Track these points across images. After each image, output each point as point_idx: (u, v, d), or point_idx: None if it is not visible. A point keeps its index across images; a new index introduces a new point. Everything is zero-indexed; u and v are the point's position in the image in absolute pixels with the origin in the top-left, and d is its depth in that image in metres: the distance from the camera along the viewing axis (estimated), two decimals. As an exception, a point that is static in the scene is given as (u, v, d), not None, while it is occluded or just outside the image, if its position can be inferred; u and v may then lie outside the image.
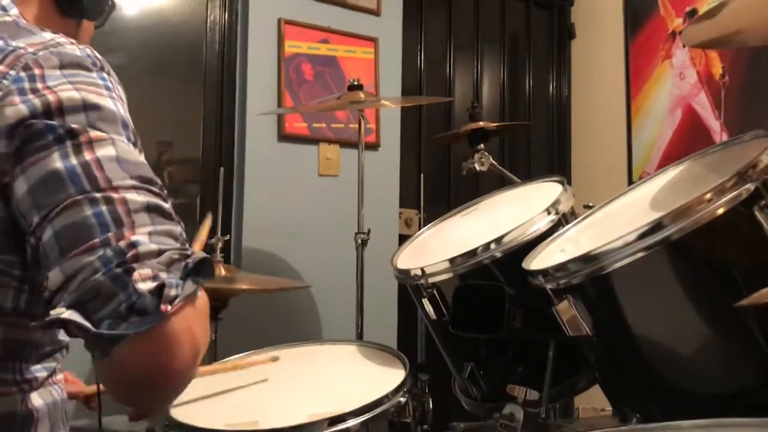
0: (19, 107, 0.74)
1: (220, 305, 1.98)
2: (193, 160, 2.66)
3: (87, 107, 0.76)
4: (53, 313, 0.68)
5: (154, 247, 0.71)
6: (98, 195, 0.72)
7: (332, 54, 2.80)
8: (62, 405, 0.90)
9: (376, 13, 2.90)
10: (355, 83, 2.21)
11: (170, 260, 0.71)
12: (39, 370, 0.85)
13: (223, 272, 1.98)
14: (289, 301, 2.60)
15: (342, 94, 2.27)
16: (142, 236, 0.71)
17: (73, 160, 0.73)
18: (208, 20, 2.67)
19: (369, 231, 2.22)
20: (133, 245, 0.70)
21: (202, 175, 2.64)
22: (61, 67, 0.78)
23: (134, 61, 2.53)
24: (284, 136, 2.67)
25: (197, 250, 0.76)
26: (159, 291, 0.69)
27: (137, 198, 0.74)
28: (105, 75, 0.81)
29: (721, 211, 1.01)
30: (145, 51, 2.57)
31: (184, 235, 0.77)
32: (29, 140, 0.74)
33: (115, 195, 0.72)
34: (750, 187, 1.01)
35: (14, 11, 0.88)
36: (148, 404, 0.88)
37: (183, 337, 0.71)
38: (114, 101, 0.80)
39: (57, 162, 0.73)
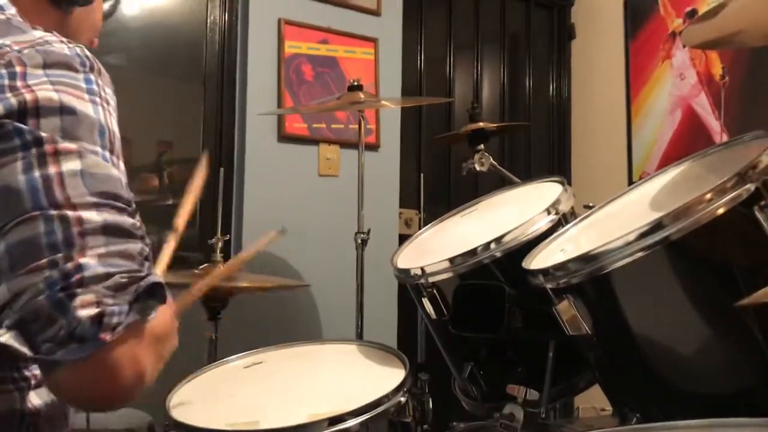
0: None
1: (220, 305, 1.98)
2: (193, 160, 2.65)
3: (63, 110, 0.73)
4: None
5: (101, 270, 0.69)
6: (54, 212, 0.69)
7: (332, 54, 2.80)
8: (63, 403, 0.90)
9: (376, 13, 2.90)
10: (355, 84, 2.21)
11: (118, 285, 0.69)
12: (36, 368, 0.85)
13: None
14: (289, 300, 2.60)
15: (342, 94, 2.27)
16: (92, 259, 0.69)
17: (36, 173, 0.70)
18: (208, 20, 2.67)
19: (369, 231, 2.23)
20: (80, 268, 0.68)
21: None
22: (45, 66, 0.75)
23: (134, 61, 2.54)
24: (284, 137, 2.67)
25: (154, 272, 0.74)
26: (99, 318, 0.67)
27: (95, 217, 0.71)
28: (92, 76, 0.78)
29: (721, 211, 1.01)
30: (145, 51, 2.57)
31: (147, 252, 0.75)
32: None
33: (71, 213, 0.70)
34: (750, 187, 1.00)
35: (11, 11, 0.86)
36: (94, 411, 0.87)
37: (124, 365, 0.70)
38: (95, 106, 0.76)
39: (19, 173, 0.70)
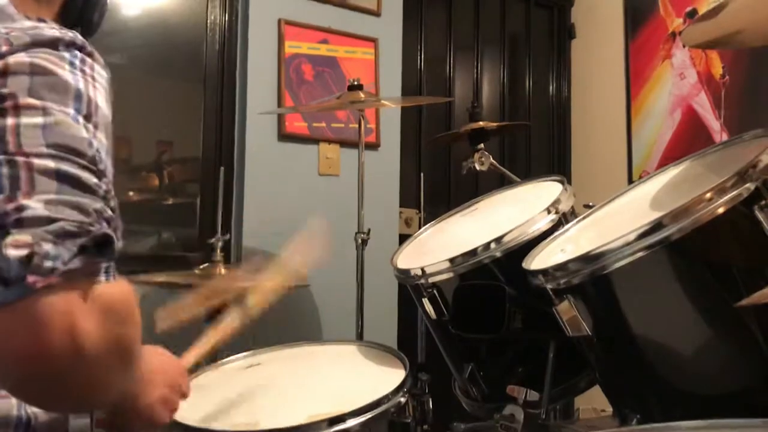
0: None
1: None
2: (193, 160, 2.66)
3: (34, 72, 0.70)
4: None
5: (43, 213, 0.63)
6: (2, 157, 0.65)
7: (332, 54, 2.80)
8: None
9: (376, 13, 2.90)
10: (355, 83, 2.21)
11: (62, 231, 0.63)
12: None
13: (223, 271, 1.98)
14: (289, 301, 2.60)
15: (342, 93, 2.27)
16: (36, 202, 0.63)
17: None
18: (208, 20, 2.67)
19: (369, 231, 2.22)
20: (20, 209, 0.62)
21: (202, 174, 2.64)
22: (31, 45, 0.72)
23: (134, 61, 2.54)
24: (284, 136, 2.67)
25: (108, 229, 0.68)
26: (29, 259, 0.61)
27: (48, 164, 0.65)
28: (77, 53, 0.74)
29: (721, 210, 1.01)
30: (145, 51, 2.57)
31: (109, 215, 0.69)
32: None
33: (21, 159, 0.65)
34: (750, 186, 1.00)
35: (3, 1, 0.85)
36: (19, 394, 0.74)
37: (53, 320, 0.62)
38: (74, 75, 0.72)
39: None
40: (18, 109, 0.67)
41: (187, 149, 2.69)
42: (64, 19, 0.89)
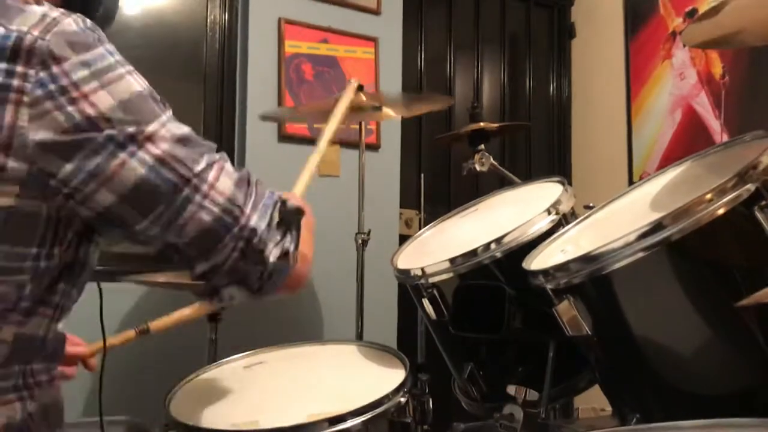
0: (55, 117, 0.77)
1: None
2: (193, 160, 2.66)
3: (122, 105, 0.82)
4: (219, 298, 0.94)
5: (263, 224, 0.89)
6: (197, 197, 0.85)
7: (332, 54, 2.80)
8: (60, 408, 0.90)
9: (376, 12, 2.90)
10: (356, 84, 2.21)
11: (276, 224, 0.90)
12: (40, 373, 0.85)
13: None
14: (289, 301, 2.60)
15: (342, 94, 2.27)
16: (253, 215, 0.88)
17: (151, 161, 0.82)
18: (208, 20, 2.67)
19: (369, 231, 2.22)
20: (253, 232, 0.88)
21: (202, 175, 2.63)
22: (74, 52, 0.80)
23: (134, 61, 2.52)
24: (284, 137, 2.67)
25: (278, 193, 0.94)
26: (285, 255, 0.91)
27: (223, 181, 0.87)
28: (107, 46, 0.85)
29: (721, 211, 1.01)
30: (145, 51, 2.57)
31: (246, 170, 0.91)
32: (90, 153, 0.79)
33: (205, 187, 0.85)
34: (750, 187, 1.00)
35: None
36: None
37: (304, 269, 0.98)
38: (131, 75, 0.86)
39: (138, 168, 0.81)
40: (151, 139, 0.83)
41: (187, 149, 2.69)
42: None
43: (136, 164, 0.81)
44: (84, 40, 0.82)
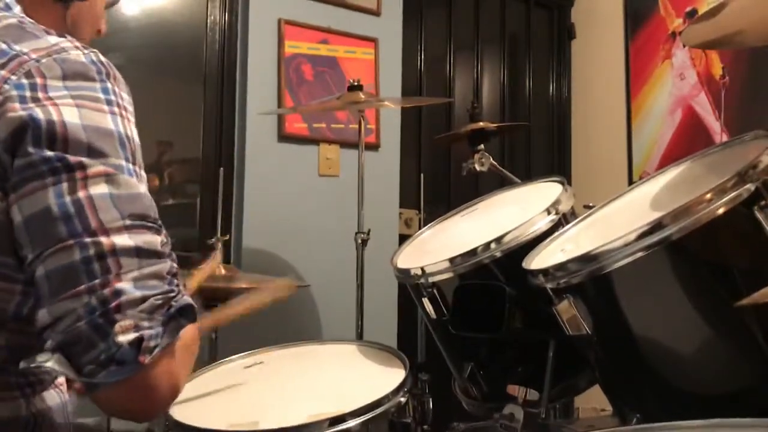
0: (19, 113, 0.73)
1: (219, 305, 1.98)
2: (193, 160, 2.67)
3: (86, 129, 0.75)
4: (39, 360, 0.72)
5: (137, 294, 0.73)
6: (88, 240, 0.72)
7: (332, 54, 2.80)
8: (64, 407, 0.90)
9: (376, 13, 2.90)
10: (355, 83, 2.21)
11: (153, 307, 0.74)
12: (42, 372, 0.85)
13: (222, 272, 1.98)
14: (289, 301, 2.59)
15: (342, 94, 2.27)
16: (127, 283, 0.73)
17: (67, 198, 0.73)
18: (208, 20, 2.67)
19: (369, 231, 2.23)
20: (117, 294, 0.72)
21: (202, 175, 2.64)
22: (64, 77, 0.77)
23: (134, 61, 2.54)
24: (284, 136, 2.67)
25: (184, 292, 0.78)
26: (138, 343, 0.71)
27: (127, 242, 0.74)
28: (109, 84, 0.80)
29: (721, 211, 1.01)
30: (145, 51, 2.57)
31: (174, 269, 0.79)
32: (27, 166, 0.73)
33: (104, 240, 0.73)
34: (750, 187, 1.00)
35: (17, 9, 0.86)
36: (136, 421, 0.89)
37: (162, 383, 0.76)
38: (114, 117, 0.79)
39: (51, 198, 0.73)
40: (86, 180, 0.74)
41: (187, 150, 2.70)
42: None
43: (51, 193, 0.73)
44: (82, 70, 0.78)
